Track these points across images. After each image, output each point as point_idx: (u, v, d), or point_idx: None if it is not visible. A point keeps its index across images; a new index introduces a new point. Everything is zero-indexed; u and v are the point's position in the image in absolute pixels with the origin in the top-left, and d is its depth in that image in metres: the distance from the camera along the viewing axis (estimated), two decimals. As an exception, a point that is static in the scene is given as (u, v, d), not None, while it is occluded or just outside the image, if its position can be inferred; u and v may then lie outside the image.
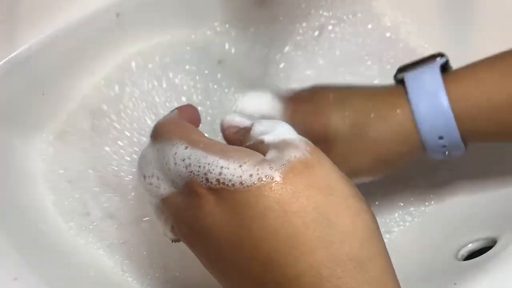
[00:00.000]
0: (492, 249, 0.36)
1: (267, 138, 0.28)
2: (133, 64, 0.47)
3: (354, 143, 0.39)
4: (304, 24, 0.51)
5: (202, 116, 0.44)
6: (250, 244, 0.25)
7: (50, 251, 0.38)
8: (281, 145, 0.27)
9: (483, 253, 0.36)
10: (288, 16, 0.50)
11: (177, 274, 0.41)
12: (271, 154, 0.27)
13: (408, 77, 0.39)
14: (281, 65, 0.51)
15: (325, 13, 0.51)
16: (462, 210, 0.43)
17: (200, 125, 0.34)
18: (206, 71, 0.46)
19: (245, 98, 0.45)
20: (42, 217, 0.39)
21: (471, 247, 0.39)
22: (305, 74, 0.50)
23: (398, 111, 0.38)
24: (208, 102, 0.47)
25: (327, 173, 0.26)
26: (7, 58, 0.39)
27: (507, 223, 0.38)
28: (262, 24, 0.49)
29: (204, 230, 0.27)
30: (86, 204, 0.42)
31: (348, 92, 0.42)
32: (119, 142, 0.44)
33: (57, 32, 0.40)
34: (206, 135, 0.30)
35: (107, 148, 0.44)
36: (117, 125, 0.45)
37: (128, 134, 0.45)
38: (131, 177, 0.44)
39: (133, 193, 0.43)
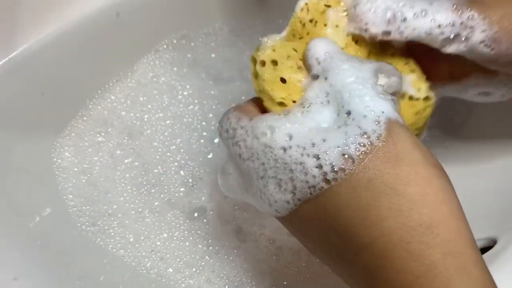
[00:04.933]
0: (492, 249, 0.36)
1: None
2: (133, 63, 0.47)
3: None
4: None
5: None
6: (328, 218, 0.27)
7: (50, 251, 0.38)
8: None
9: (483, 253, 0.36)
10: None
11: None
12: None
13: None
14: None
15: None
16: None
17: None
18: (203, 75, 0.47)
19: None
20: (42, 217, 0.39)
21: (471, 247, 0.39)
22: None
23: None
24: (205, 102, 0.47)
25: (397, 143, 0.27)
26: (7, 58, 0.39)
27: (507, 223, 0.38)
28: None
29: None
30: (86, 203, 0.42)
31: None
32: (120, 141, 0.45)
33: (57, 32, 0.40)
34: None
35: (107, 147, 0.44)
36: (118, 124, 0.45)
37: (130, 133, 0.45)
38: (132, 174, 0.44)
39: (128, 189, 0.43)
